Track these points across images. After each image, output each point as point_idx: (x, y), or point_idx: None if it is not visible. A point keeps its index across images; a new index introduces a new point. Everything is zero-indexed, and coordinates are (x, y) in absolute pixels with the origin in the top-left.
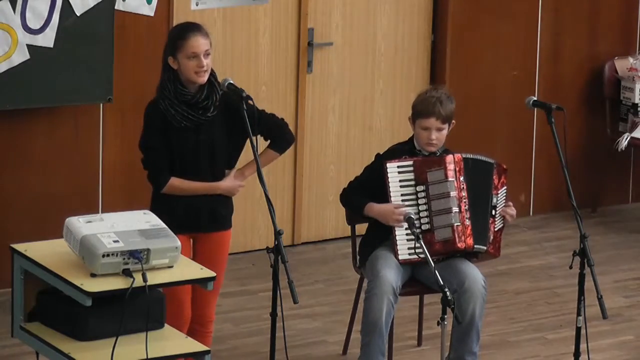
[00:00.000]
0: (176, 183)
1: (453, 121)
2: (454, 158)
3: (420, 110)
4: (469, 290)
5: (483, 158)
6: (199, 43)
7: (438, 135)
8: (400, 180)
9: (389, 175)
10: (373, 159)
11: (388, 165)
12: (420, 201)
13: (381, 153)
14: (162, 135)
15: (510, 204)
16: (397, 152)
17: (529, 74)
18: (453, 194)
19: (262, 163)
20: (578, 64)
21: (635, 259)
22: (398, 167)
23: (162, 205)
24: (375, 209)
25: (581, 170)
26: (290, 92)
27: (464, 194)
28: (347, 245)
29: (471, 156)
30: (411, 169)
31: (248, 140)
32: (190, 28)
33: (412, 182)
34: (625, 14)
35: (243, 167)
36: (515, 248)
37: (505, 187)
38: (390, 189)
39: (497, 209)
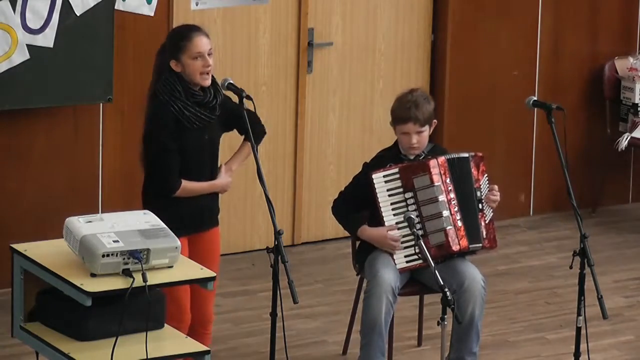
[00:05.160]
0: (188, 186)
1: (434, 121)
2: (438, 161)
3: (398, 116)
4: (468, 291)
5: (458, 155)
6: (203, 42)
7: (419, 138)
8: (387, 190)
9: (376, 186)
10: (361, 168)
11: (374, 176)
12: (410, 207)
13: (368, 162)
14: (174, 138)
15: (495, 187)
16: (383, 159)
17: (529, 74)
18: (442, 198)
19: (244, 156)
20: (578, 64)
21: (635, 259)
22: (384, 176)
23: (169, 208)
24: (367, 233)
25: (581, 170)
26: (290, 92)
27: (452, 196)
28: (347, 245)
29: (455, 156)
30: (397, 176)
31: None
32: (192, 29)
33: (400, 190)
34: (625, 14)
35: (229, 162)
36: (515, 248)
37: (486, 175)
38: (379, 199)
39: (483, 201)
